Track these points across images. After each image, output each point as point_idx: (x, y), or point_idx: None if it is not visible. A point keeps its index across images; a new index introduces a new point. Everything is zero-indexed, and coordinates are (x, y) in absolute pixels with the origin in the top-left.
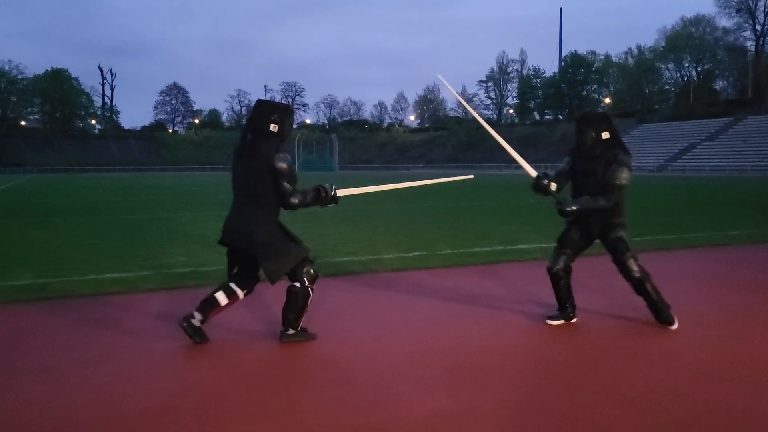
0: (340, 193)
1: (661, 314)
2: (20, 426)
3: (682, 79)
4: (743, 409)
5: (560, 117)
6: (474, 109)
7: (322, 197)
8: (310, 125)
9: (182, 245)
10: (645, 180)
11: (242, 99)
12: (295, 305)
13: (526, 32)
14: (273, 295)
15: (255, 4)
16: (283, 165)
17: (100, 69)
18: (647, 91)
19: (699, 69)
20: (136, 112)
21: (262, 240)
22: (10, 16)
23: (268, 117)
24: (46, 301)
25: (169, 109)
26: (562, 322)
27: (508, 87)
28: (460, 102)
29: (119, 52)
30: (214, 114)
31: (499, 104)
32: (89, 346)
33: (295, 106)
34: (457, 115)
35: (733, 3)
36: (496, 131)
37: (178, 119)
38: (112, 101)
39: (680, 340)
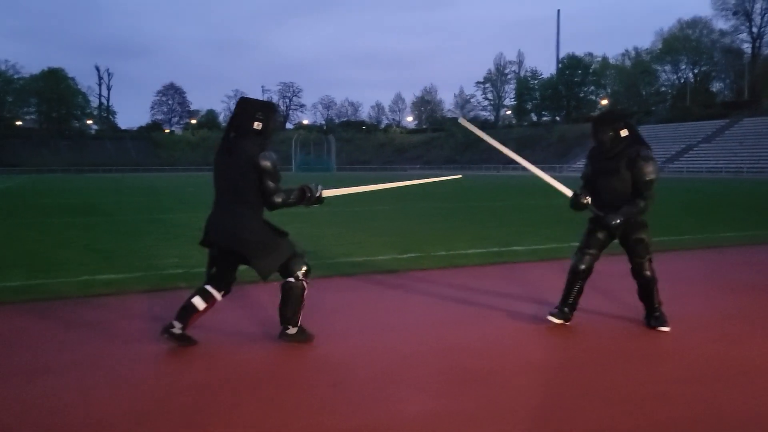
0: (327, 193)
1: (655, 318)
2: (8, 428)
3: (679, 81)
4: (734, 412)
5: (557, 118)
6: (471, 110)
7: (306, 197)
8: (307, 126)
9: (176, 246)
10: None
11: None
12: (292, 300)
13: (524, 34)
14: (267, 296)
15: (252, 5)
16: (267, 163)
17: (97, 69)
18: (644, 92)
19: (696, 71)
20: (132, 113)
21: (251, 238)
22: (6, 15)
23: (251, 115)
24: (37, 302)
25: (165, 110)
26: (562, 322)
27: (506, 88)
28: (489, 142)
29: (116, 52)
30: (211, 114)
31: (497, 106)
32: (80, 348)
33: (292, 107)
34: (455, 116)
35: (730, 5)
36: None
37: (175, 119)
38: (108, 101)
39: (672, 342)
